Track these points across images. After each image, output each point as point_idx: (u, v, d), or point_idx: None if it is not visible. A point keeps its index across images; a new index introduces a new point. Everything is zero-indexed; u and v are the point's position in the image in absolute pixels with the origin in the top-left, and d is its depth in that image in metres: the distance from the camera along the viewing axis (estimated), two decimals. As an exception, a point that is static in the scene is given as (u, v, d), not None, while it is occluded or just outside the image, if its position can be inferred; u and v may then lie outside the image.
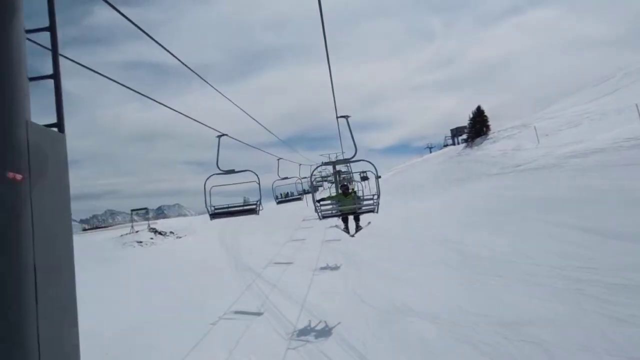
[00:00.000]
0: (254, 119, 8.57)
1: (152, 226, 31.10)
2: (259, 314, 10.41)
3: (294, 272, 14.38)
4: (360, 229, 11.72)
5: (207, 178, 9.55)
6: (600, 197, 13.48)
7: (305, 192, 23.84)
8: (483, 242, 13.19)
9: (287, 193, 36.49)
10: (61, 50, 2.02)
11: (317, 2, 4.23)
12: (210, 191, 10.11)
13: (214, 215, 10.17)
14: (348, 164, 16.57)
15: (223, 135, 8.85)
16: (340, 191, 11.26)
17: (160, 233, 29.03)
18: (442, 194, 25.86)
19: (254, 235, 23.85)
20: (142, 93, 5.13)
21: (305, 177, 20.40)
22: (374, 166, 9.44)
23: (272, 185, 16.25)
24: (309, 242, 19.54)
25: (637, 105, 21.54)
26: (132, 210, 36.80)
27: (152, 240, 27.64)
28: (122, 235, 28.56)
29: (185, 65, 5.65)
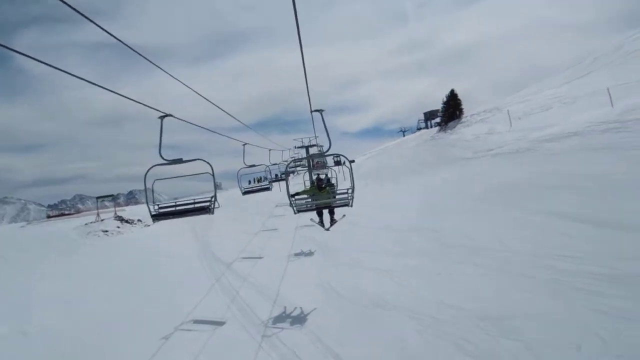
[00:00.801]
0: (209, 101, 7.72)
1: (119, 214, 29.90)
2: (221, 323, 9.36)
3: (266, 264, 13.78)
4: (335, 222, 11.49)
5: (148, 170, 7.52)
6: (577, 183, 13.31)
7: (277, 177, 22.58)
8: (460, 229, 12.90)
9: (260, 178, 35.19)
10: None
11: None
12: (152, 186, 8.26)
13: (157, 217, 8.09)
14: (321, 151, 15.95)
15: (167, 115, 7.09)
16: (314, 183, 10.80)
17: (127, 221, 27.92)
18: (416, 178, 25.57)
19: (225, 223, 23.09)
20: (91, 81, 4.45)
21: (276, 164, 19.48)
22: (348, 159, 9.63)
23: (237, 173, 14.64)
24: (281, 231, 18.91)
25: (608, 90, 21.62)
26: (98, 198, 35.37)
27: (118, 229, 26.55)
28: (86, 224, 27.31)
29: (131, 48, 4.94)
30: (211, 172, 7.92)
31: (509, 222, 12.38)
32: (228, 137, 12.15)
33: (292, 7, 4.17)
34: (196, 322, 9.55)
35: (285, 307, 9.70)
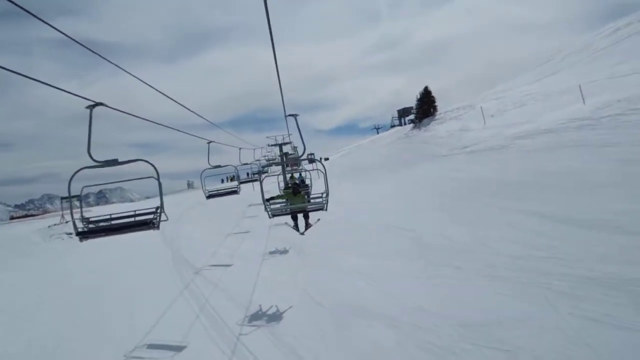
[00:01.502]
0: (173, 100, 7.14)
1: (85, 215, 28.64)
2: (181, 347, 8.12)
3: (238, 269, 13.05)
4: (310, 226, 11.28)
5: (74, 174, 6.04)
6: (554, 181, 13.20)
7: (248, 177, 21.53)
8: (439, 230, 12.55)
9: (233, 177, 34.15)
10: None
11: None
12: (81, 194, 6.88)
13: (85, 235, 6.54)
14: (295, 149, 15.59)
15: (97, 105, 5.66)
16: (288, 185, 10.63)
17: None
18: (392, 176, 25.31)
19: (196, 224, 22.31)
20: (48, 83, 3.85)
21: (247, 164, 18.64)
22: (323, 164, 9.66)
23: (201, 175, 13.46)
24: (255, 233, 18.18)
25: (580, 87, 21.80)
26: (63, 198, 34.12)
27: (83, 231, 25.36)
28: (50, 226, 26.00)
29: (86, 47, 4.34)
30: (156, 176, 6.54)
31: (488, 222, 12.11)
32: (191, 134, 11.46)
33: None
34: (160, 335, 8.80)
35: (258, 315, 9.11)
